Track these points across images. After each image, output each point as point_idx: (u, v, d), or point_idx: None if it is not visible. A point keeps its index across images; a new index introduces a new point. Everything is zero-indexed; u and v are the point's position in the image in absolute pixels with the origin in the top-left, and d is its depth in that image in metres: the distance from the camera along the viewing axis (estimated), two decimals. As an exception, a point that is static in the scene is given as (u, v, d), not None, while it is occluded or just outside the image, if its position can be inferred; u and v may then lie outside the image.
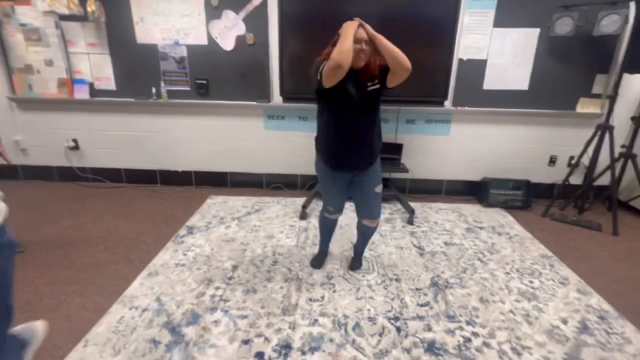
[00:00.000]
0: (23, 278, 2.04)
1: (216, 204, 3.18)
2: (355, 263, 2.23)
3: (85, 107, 3.34)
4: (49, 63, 3.17)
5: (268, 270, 2.19)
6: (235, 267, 2.21)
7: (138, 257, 2.32)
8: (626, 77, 2.92)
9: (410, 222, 2.87)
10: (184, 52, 3.12)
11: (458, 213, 3.12)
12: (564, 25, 2.81)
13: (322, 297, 1.94)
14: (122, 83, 3.23)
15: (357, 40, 1.58)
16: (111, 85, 3.23)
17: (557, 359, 1.57)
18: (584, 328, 1.77)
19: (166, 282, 2.06)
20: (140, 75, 3.19)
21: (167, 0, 2.97)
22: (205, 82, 3.18)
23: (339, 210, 2.05)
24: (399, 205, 3.19)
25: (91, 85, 3.24)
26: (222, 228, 2.73)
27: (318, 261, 2.25)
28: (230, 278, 2.10)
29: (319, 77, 1.61)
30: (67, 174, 3.58)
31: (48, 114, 3.39)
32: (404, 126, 3.34)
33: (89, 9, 2.84)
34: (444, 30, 2.85)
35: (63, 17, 2.99)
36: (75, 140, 3.47)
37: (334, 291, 2.00)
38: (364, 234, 2.14)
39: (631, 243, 2.69)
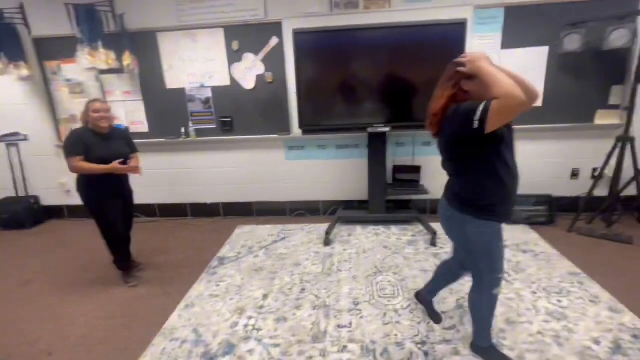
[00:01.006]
0: (75, 313, 2.23)
1: (244, 234, 3.33)
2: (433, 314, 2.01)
3: (121, 149, 3.63)
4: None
5: (297, 298, 2.28)
6: (265, 296, 2.32)
7: (176, 289, 2.47)
8: (642, 87, 2.92)
9: (432, 243, 2.91)
10: (209, 94, 3.37)
11: (481, 232, 3.13)
12: (573, 42, 2.87)
13: (350, 324, 2.01)
14: (153, 125, 3.51)
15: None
16: (144, 127, 3.52)
17: (589, 381, 1.57)
18: (617, 348, 1.75)
19: (202, 313, 2.19)
20: (170, 117, 3.46)
21: (193, 49, 3.25)
22: (229, 119, 3.41)
23: None
24: (420, 227, 3.23)
25: (127, 129, 3.53)
26: (251, 257, 2.87)
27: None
28: (261, 307, 2.21)
29: (477, 124, 1.27)
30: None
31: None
32: (421, 149, 3.43)
33: (124, 63, 3.15)
34: (453, 55, 2.94)
35: (102, 71, 3.32)
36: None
37: (361, 317, 2.07)
38: (452, 281, 1.94)
39: (665, 256, 2.62)
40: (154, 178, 3.72)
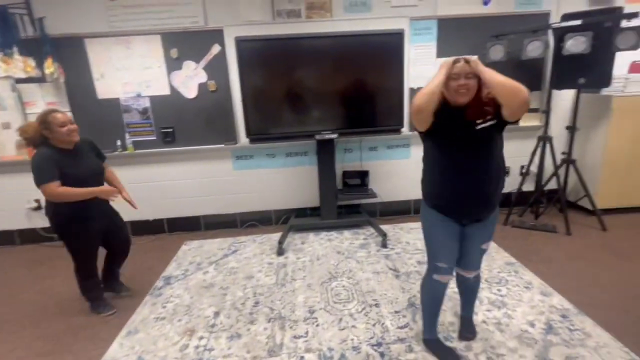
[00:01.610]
0: (-9, 356, 1.94)
1: (192, 250, 3.16)
2: (464, 330, 1.88)
3: (47, 166, 3.28)
4: (6, 126, 3.12)
5: (250, 313, 2.20)
6: (217, 314, 2.21)
7: (115, 315, 2.26)
8: (556, 92, 3.29)
9: (384, 245, 2.99)
10: (147, 103, 3.18)
11: (427, 230, 3.28)
12: (497, 52, 3.14)
13: (306, 333, 1.98)
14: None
15: (455, 76, 1.43)
16: (74, 141, 3.21)
17: (528, 363, 1.69)
18: (549, 328, 1.91)
19: (147, 338, 2.02)
20: (104, 129, 3.19)
21: (127, 56, 3.05)
22: (170, 130, 3.24)
23: (451, 270, 1.67)
24: (372, 230, 3.31)
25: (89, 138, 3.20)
26: (200, 274, 2.72)
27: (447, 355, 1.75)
28: (212, 326, 2.10)
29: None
30: (31, 236, 3.44)
31: (6, 177, 3.29)
32: (368, 153, 3.53)
33: (46, 71, 2.86)
34: (393, 64, 3.08)
35: (20, 80, 2.98)
36: (37, 201, 3.37)
37: (317, 325, 2.05)
38: (465, 289, 1.84)
39: (583, 240, 2.94)
40: (88, 196, 3.41)
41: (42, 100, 3.11)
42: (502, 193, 1.63)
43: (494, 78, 1.39)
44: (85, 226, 2.07)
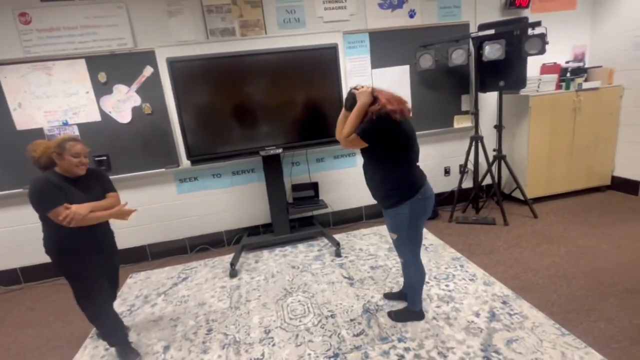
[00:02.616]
0: None
1: (138, 283, 2.96)
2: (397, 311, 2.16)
3: (-40, 209, 2.93)
4: None
5: (203, 342, 2.10)
6: (167, 348, 2.08)
7: (49, 367, 2.04)
8: (482, 95, 3.57)
9: (337, 254, 3.01)
10: (75, 132, 2.96)
11: (379, 235, 3.36)
12: (426, 61, 3.35)
13: (263, 355, 1.93)
14: (4, 174, 2.93)
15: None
16: (-9, 178, 2.91)
17: (475, 352, 1.77)
18: (492, 316, 2.03)
19: (86, 388, 1.84)
20: (26, 162, 2.91)
21: (48, 83, 2.85)
22: (105, 157, 3.04)
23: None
24: (326, 241, 3.32)
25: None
26: (147, 308, 2.55)
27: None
28: (161, 362, 1.97)
29: None
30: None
31: None
32: (315, 165, 3.56)
33: (-48, 104, 2.58)
34: (329, 77, 3.15)
35: None
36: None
37: (274, 344, 2.00)
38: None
39: (518, 229, 3.17)
40: (11, 237, 3.08)
41: (-50, 136, 2.79)
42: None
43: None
44: (84, 259, 1.86)
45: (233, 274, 2.86)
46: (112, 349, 2.09)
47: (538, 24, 2.91)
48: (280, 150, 3.04)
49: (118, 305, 2.62)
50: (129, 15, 2.91)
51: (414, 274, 2.00)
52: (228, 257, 3.17)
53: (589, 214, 3.31)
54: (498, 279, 2.40)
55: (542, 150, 3.59)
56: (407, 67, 3.54)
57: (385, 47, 3.43)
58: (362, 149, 1.87)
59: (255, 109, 2.99)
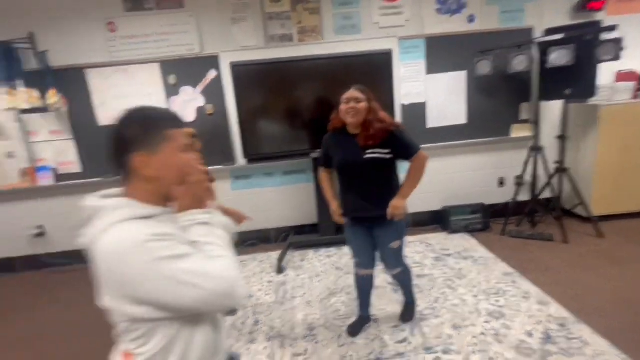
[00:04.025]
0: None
1: (192, 271, 3.19)
2: (403, 312, 2.22)
3: (50, 193, 3.35)
4: (10, 155, 3.21)
5: (250, 332, 2.22)
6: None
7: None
8: (544, 103, 3.38)
9: (382, 259, 3.01)
10: (146, 129, 3.26)
11: (426, 244, 3.31)
12: (484, 67, 3.24)
13: (306, 351, 2.00)
14: (87, 165, 3.30)
15: (345, 100, 1.78)
16: (76, 168, 3.29)
17: (526, 373, 1.70)
18: (547, 338, 1.92)
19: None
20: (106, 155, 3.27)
21: (127, 84, 3.17)
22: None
23: (368, 265, 2.03)
24: (370, 245, 3.33)
25: (55, 170, 3.28)
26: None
27: (354, 327, 2.12)
28: (213, 346, 2.11)
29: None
30: (33, 263, 3.48)
31: (9, 204, 3.36)
32: (364, 169, 3.58)
33: (49, 102, 2.96)
34: (383, 83, 3.17)
35: (24, 111, 3.08)
36: (40, 227, 3.43)
37: (317, 342, 2.06)
38: (396, 282, 2.19)
39: (579, 248, 2.95)
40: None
41: (46, 129, 3.21)
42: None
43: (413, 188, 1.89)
44: None
45: (280, 270, 2.97)
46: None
47: (613, 28, 2.70)
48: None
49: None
50: (197, 23, 3.15)
51: (409, 276, 2.13)
52: (275, 254, 3.29)
53: (665, 238, 2.99)
54: (555, 299, 2.26)
55: (611, 165, 3.30)
56: (463, 73, 3.44)
57: (442, 52, 3.37)
58: (385, 160, 1.79)
59: (309, 112, 3.09)
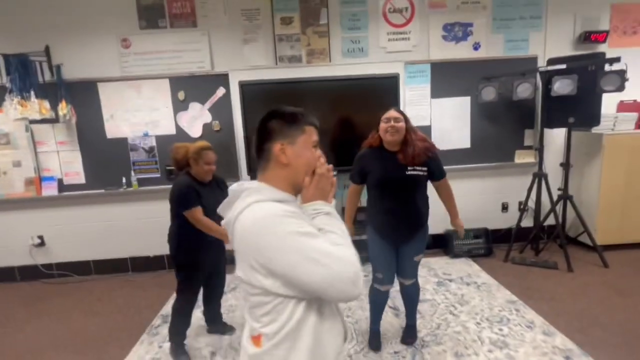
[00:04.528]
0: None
1: (191, 287, 3.14)
2: (406, 336, 2.20)
3: (53, 203, 3.36)
4: (17, 164, 3.24)
5: (248, 353, 2.16)
6: (213, 354, 2.18)
7: (111, 356, 2.23)
8: (548, 130, 3.40)
9: (383, 282, 2.96)
10: (153, 142, 3.31)
11: (428, 267, 3.26)
12: (489, 93, 3.29)
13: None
14: (91, 176, 3.32)
15: (386, 119, 1.87)
16: (80, 179, 3.31)
17: (532, 407, 1.64)
18: (552, 371, 1.87)
19: (142, 380, 1.98)
20: (111, 167, 3.31)
21: (137, 98, 3.23)
22: (174, 167, 3.33)
23: (390, 281, 2.05)
24: (371, 266, 3.29)
25: (60, 181, 3.30)
26: (198, 312, 2.68)
27: (375, 343, 2.15)
28: (209, 367, 2.06)
29: None
30: (31, 273, 3.45)
31: (12, 213, 3.36)
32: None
33: (60, 113, 3.01)
34: (389, 105, 3.18)
35: (34, 121, 3.13)
36: (40, 237, 3.42)
37: None
38: (407, 295, 2.17)
39: (584, 277, 2.91)
40: (90, 232, 3.45)
41: (54, 139, 3.25)
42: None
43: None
44: (199, 259, 2.08)
45: (279, 289, 2.93)
46: (165, 347, 2.23)
47: (617, 60, 2.76)
48: (334, 172, 3.11)
49: (173, 306, 2.79)
50: (209, 42, 3.23)
51: (419, 290, 2.17)
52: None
53: (672, 270, 2.95)
54: (560, 330, 2.20)
55: (616, 194, 3.29)
56: (468, 99, 3.49)
57: (447, 77, 3.43)
58: (424, 177, 1.93)
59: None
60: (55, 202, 3.36)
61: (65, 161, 3.28)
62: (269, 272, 0.78)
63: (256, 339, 0.84)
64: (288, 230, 0.76)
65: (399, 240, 1.98)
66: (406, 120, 1.89)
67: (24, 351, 2.33)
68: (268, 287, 0.79)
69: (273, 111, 0.91)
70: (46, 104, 3.01)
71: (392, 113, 1.87)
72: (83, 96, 3.18)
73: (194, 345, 2.28)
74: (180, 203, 1.99)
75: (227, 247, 2.18)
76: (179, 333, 2.16)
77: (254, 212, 0.80)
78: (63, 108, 3.01)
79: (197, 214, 1.98)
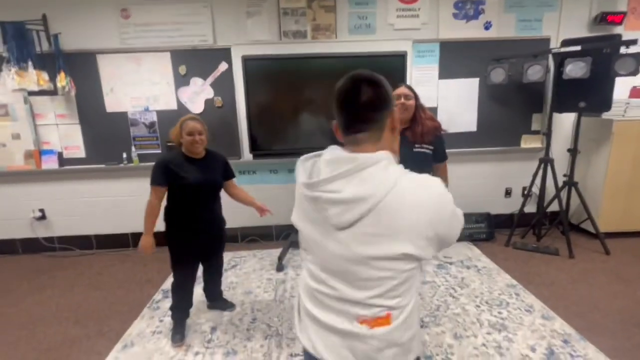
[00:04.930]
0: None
1: (192, 263, 3.16)
2: None
3: (53, 177, 3.33)
4: (16, 136, 3.20)
5: (247, 329, 2.18)
6: (214, 329, 2.20)
7: (111, 328, 2.25)
8: (557, 115, 3.33)
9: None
10: (154, 118, 3.25)
11: (428, 250, 3.26)
12: (498, 75, 3.20)
13: (303, 351, 1.95)
14: (91, 150, 3.28)
15: (397, 96, 1.79)
16: (81, 153, 3.27)
17: (528, 388, 1.65)
18: (550, 354, 1.88)
19: (143, 353, 2.01)
20: (111, 141, 3.26)
21: (137, 72, 3.15)
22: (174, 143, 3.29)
23: None
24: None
25: (60, 154, 3.27)
26: (198, 289, 2.70)
27: None
28: (209, 341, 2.08)
29: None
30: (33, 246, 3.46)
31: (13, 186, 3.34)
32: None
33: (59, 85, 2.94)
34: (395, 85, 3.15)
35: (33, 93, 3.07)
36: (42, 210, 3.41)
37: (315, 343, 2.02)
38: None
39: (585, 264, 2.90)
40: (92, 206, 3.44)
41: (53, 112, 3.19)
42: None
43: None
44: (189, 237, 2.03)
45: (280, 268, 2.94)
46: (166, 322, 2.25)
47: (634, 42, 2.66)
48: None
49: (173, 282, 2.81)
50: (212, 14, 3.12)
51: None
52: (276, 251, 3.26)
53: (673, 259, 2.94)
54: (559, 314, 2.21)
55: (621, 181, 3.25)
56: (476, 80, 3.40)
57: (456, 58, 3.33)
58: (430, 155, 1.90)
59: (318, 110, 3.05)
60: (56, 175, 3.33)
61: (65, 134, 3.23)
62: (435, 238, 0.80)
63: (384, 319, 0.82)
64: (451, 197, 0.82)
65: None
66: (416, 97, 1.83)
67: (26, 322, 2.36)
68: (424, 255, 0.80)
69: (377, 78, 0.85)
70: (44, 75, 2.94)
71: (402, 90, 1.81)
72: (82, 68, 3.10)
73: (194, 319, 2.30)
74: (151, 177, 1.96)
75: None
76: (178, 310, 2.15)
77: (424, 186, 0.80)
78: (62, 80, 2.94)
79: (153, 191, 1.95)
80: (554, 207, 3.36)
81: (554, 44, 3.29)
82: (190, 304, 2.19)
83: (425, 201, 0.78)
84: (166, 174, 1.93)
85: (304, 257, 0.96)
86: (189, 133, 1.94)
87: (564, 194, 3.30)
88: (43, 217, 3.42)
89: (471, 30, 3.32)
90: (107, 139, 3.26)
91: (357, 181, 0.78)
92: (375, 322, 0.82)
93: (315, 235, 0.88)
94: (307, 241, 0.92)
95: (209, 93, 3.23)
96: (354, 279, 0.81)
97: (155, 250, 1.99)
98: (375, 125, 0.83)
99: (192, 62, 3.17)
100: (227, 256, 3.26)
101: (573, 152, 3.20)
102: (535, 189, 3.40)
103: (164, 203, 2.05)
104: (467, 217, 3.47)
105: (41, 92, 3.05)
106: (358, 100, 0.82)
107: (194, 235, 2.03)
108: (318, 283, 0.88)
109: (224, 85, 3.21)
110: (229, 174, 2.22)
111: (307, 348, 0.91)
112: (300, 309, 0.97)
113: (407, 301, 0.83)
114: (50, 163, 3.24)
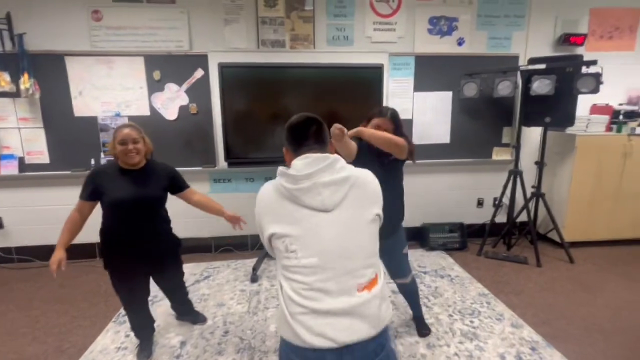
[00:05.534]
0: None
1: (162, 274, 3.04)
2: (421, 329, 2.18)
3: (12, 183, 3.15)
4: (-27, 139, 3.00)
5: (219, 343, 2.11)
6: (183, 344, 2.11)
7: (72, 344, 2.12)
8: (525, 129, 3.47)
9: (359, 273, 2.97)
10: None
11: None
12: (470, 89, 3.31)
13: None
14: (56, 156, 3.12)
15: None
16: (45, 158, 3.11)
17: (499, 397, 1.68)
18: (519, 362, 1.92)
19: (105, 371, 1.90)
20: (78, 147, 3.12)
21: (108, 75, 3.04)
22: (148, 150, 3.19)
23: None
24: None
25: (21, 159, 3.09)
26: (167, 301, 2.60)
27: None
28: (178, 356, 2.00)
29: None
30: (-12, 257, 3.24)
31: (-32, 192, 3.13)
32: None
33: (22, 87, 2.80)
34: (372, 97, 3.17)
35: (-8, 94, 2.91)
36: (-1, 219, 3.20)
37: (288, 356, 1.98)
38: (404, 294, 2.18)
39: (552, 272, 3.01)
40: (55, 215, 3.25)
41: (15, 115, 3.02)
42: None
43: (373, 135, 1.80)
44: (124, 259, 1.82)
45: (254, 278, 2.88)
46: (132, 337, 2.14)
47: (594, 62, 2.82)
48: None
49: (142, 294, 2.69)
50: (189, 20, 3.08)
51: (414, 281, 2.15)
52: (250, 262, 3.20)
53: (631, 267, 3.09)
54: (527, 322, 2.27)
55: (584, 193, 3.42)
56: (449, 94, 3.51)
57: (430, 71, 3.43)
58: (393, 166, 1.91)
59: (295, 120, 3.05)
60: (16, 182, 3.14)
61: (28, 139, 3.07)
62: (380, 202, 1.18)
63: (374, 280, 1.07)
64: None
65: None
66: (397, 126, 1.91)
67: (-23, 339, 2.19)
68: (381, 214, 1.16)
69: (316, 118, 1.26)
70: (6, 76, 2.79)
71: (380, 121, 1.92)
72: (48, 70, 2.97)
73: (162, 333, 2.20)
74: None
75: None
76: (138, 328, 2.02)
77: (364, 172, 1.18)
78: (25, 82, 2.80)
79: (76, 205, 1.78)
80: (523, 217, 3.48)
81: (522, 61, 3.45)
82: (149, 321, 2.08)
83: (372, 177, 1.18)
84: (91, 188, 1.75)
85: (289, 264, 1.06)
86: (121, 142, 1.72)
87: (532, 205, 3.44)
88: (0, 226, 3.21)
89: (445, 46, 3.44)
90: (74, 144, 3.11)
91: (336, 170, 1.11)
92: (370, 284, 1.05)
93: (305, 231, 1.05)
94: (296, 241, 1.05)
95: (184, 99, 3.16)
96: (347, 250, 1.04)
97: (64, 267, 1.69)
98: (325, 142, 1.22)
99: (167, 67, 3.10)
100: (200, 267, 3.18)
101: (540, 164, 3.35)
102: (506, 200, 3.52)
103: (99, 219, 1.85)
104: (441, 227, 3.56)
105: (2, 94, 2.89)
106: (308, 129, 1.22)
107: (131, 256, 1.82)
108: (314, 274, 1.02)
109: (199, 92, 3.16)
110: (179, 187, 2.03)
111: (314, 345, 0.97)
112: (291, 316, 1.04)
113: (378, 260, 1.13)
114: (9, 168, 3.06)
